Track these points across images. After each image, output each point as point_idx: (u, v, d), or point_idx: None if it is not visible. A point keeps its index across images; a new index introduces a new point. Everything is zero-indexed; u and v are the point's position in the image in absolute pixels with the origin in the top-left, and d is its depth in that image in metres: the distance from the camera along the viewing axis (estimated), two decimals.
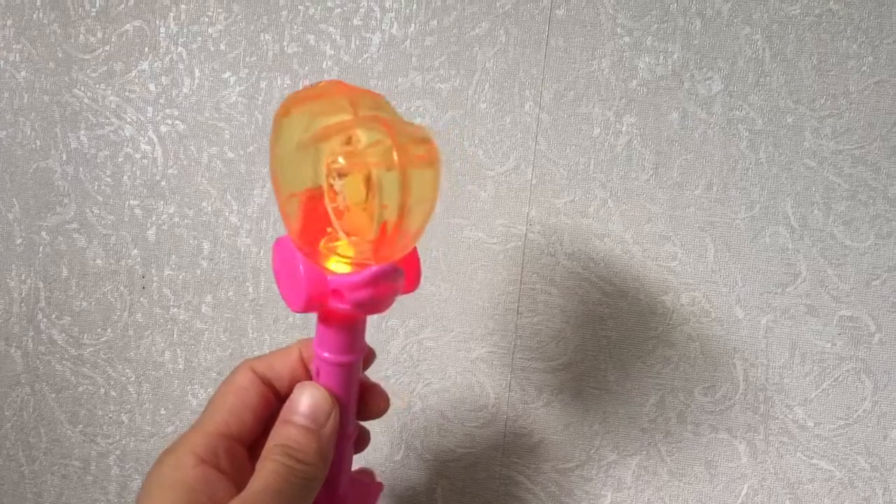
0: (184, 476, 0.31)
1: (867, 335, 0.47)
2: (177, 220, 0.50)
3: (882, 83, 0.46)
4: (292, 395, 0.33)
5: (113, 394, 0.52)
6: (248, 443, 0.34)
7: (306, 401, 0.32)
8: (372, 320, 0.49)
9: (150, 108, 0.50)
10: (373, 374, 0.38)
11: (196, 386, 0.51)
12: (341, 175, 0.29)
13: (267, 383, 0.35)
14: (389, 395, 0.37)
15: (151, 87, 0.50)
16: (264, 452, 0.31)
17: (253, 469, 0.31)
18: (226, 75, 0.49)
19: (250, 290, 0.50)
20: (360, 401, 0.35)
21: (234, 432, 0.33)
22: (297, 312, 0.31)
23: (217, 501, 0.30)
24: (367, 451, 0.39)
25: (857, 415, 0.48)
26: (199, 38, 0.49)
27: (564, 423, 0.49)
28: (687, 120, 0.47)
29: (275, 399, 0.35)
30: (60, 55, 0.50)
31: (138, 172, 0.50)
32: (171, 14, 0.49)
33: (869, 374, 0.48)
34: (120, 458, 0.52)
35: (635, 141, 0.47)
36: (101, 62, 0.50)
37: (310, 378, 0.35)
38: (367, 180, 0.28)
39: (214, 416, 0.33)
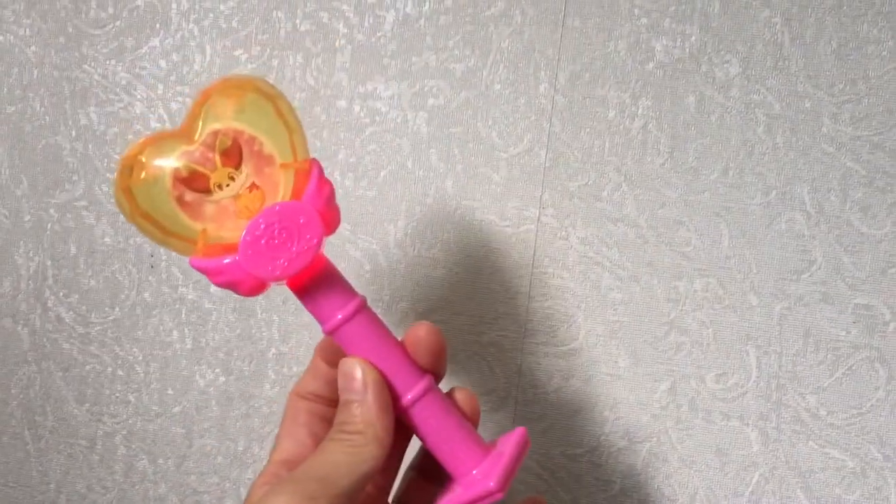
0: (252, 500, 0.32)
1: (882, 324, 0.47)
2: None
3: None
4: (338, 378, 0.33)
5: (120, 373, 0.51)
6: None
7: (341, 376, 0.33)
8: (383, 302, 0.49)
9: (160, 85, 0.49)
10: None
11: (203, 366, 0.51)
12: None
13: (315, 398, 0.36)
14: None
15: (162, 63, 0.49)
16: None
17: None
18: (237, 53, 0.49)
19: None
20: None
21: (296, 454, 0.34)
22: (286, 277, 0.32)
23: None
24: None
25: (870, 404, 0.47)
26: (211, 15, 0.49)
27: (574, 408, 0.49)
28: (704, 104, 0.47)
29: (326, 407, 0.36)
30: (71, 30, 0.49)
31: None
32: None
33: (883, 363, 0.47)
34: (126, 438, 0.52)
35: (651, 124, 0.47)
36: (111, 38, 0.49)
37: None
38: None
39: (275, 447, 0.35)
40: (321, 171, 0.33)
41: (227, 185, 0.33)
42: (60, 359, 0.52)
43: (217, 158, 0.33)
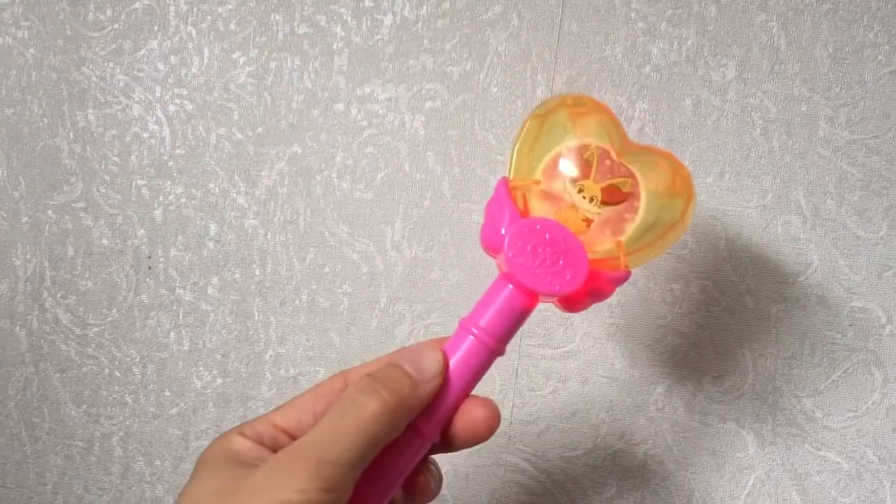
0: (228, 445, 0.31)
1: (878, 327, 0.47)
2: (184, 200, 0.50)
3: None
4: (407, 347, 0.33)
5: (117, 374, 0.51)
6: None
7: (417, 352, 0.32)
8: (380, 304, 0.49)
9: (158, 88, 0.50)
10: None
11: (201, 368, 0.51)
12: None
13: None
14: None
15: (160, 66, 0.49)
16: None
17: None
18: (235, 55, 0.49)
19: (257, 272, 0.50)
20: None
21: (289, 427, 0.33)
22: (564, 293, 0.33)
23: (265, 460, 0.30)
24: None
25: (866, 407, 0.47)
26: (209, 18, 0.49)
27: (571, 410, 0.49)
28: (700, 107, 0.47)
29: None
30: (69, 33, 0.50)
31: (146, 152, 0.50)
32: None
33: (879, 365, 0.47)
34: (123, 440, 0.52)
35: (648, 127, 0.47)
36: (109, 40, 0.50)
37: None
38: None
39: (279, 410, 0.33)
40: (622, 282, 0.34)
41: (581, 196, 0.34)
42: (58, 360, 0.52)
43: (607, 184, 0.34)
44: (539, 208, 0.34)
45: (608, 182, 0.34)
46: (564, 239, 0.33)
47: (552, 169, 0.35)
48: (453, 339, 0.34)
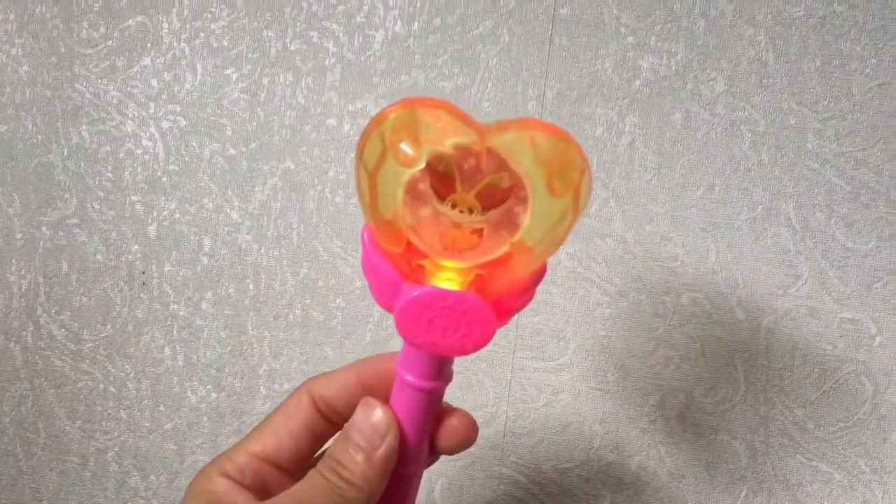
0: (207, 485, 0.31)
1: (868, 338, 0.47)
2: (178, 216, 0.50)
3: (885, 85, 0.46)
4: (356, 410, 0.32)
5: (112, 390, 0.52)
6: (288, 466, 0.33)
7: (363, 418, 0.31)
8: (374, 318, 0.49)
9: (151, 104, 0.50)
10: None
11: (195, 382, 0.51)
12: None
13: (326, 405, 0.34)
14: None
15: (153, 82, 0.50)
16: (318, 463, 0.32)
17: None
18: (228, 71, 0.49)
19: (251, 286, 0.50)
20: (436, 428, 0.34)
21: (269, 455, 0.33)
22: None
23: None
24: None
25: (857, 417, 0.48)
26: (202, 34, 0.49)
27: (564, 422, 0.49)
28: (690, 121, 0.47)
29: (325, 424, 0.34)
30: (63, 50, 0.50)
31: (139, 168, 0.50)
32: (174, 10, 0.49)
33: (869, 376, 0.47)
34: (118, 455, 0.52)
35: (638, 141, 0.47)
36: (103, 57, 0.50)
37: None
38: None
39: (255, 435, 0.33)
40: (540, 280, 0.31)
41: (458, 211, 0.29)
42: (52, 376, 0.52)
43: (480, 188, 0.29)
44: (423, 240, 0.29)
45: (480, 185, 0.29)
46: (458, 301, 0.29)
47: (414, 197, 0.28)
48: (395, 390, 0.32)
